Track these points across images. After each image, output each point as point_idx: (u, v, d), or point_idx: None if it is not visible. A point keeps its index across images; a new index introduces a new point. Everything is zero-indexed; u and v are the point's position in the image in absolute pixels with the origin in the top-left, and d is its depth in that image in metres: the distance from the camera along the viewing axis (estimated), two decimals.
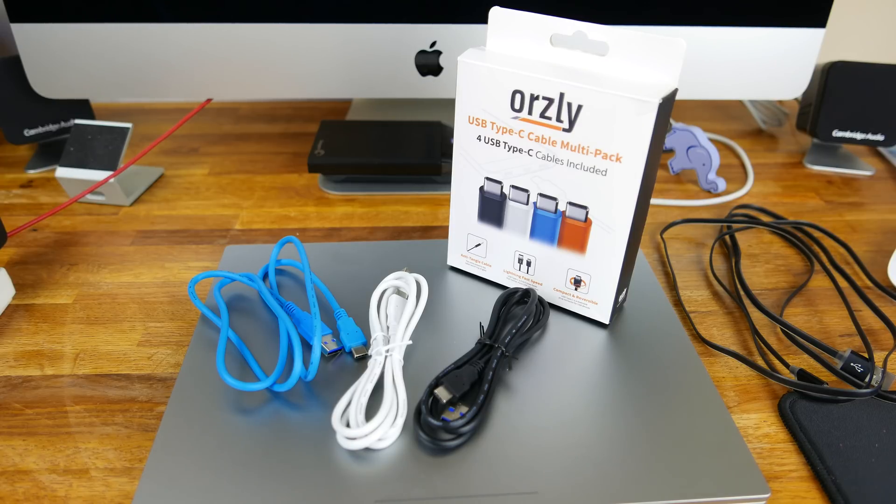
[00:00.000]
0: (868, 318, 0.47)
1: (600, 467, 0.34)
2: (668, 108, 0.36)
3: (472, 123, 0.41)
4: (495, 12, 0.40)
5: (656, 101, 0.34)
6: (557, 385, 0.39)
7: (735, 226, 0.56)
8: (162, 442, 0.35)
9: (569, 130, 0.38)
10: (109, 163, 0.56)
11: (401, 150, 0.60)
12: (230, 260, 0.49)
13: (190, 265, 0.51)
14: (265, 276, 0.47)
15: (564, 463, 0.34)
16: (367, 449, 0.34)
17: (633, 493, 0.32)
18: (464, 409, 0.36)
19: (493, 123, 0.41)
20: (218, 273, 0.45)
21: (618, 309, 0.44)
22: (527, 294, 0.43)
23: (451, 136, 0.64)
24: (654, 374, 0.39)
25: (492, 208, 0.44)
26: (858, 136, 0.66)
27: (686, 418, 0.36)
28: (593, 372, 0.39)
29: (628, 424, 0.36)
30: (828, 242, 0.56)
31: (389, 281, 0.43)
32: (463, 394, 0.36)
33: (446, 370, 0.37)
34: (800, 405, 0.39)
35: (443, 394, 0.36)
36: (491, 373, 0.37)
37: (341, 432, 0.34)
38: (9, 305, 0.47)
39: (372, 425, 0.34)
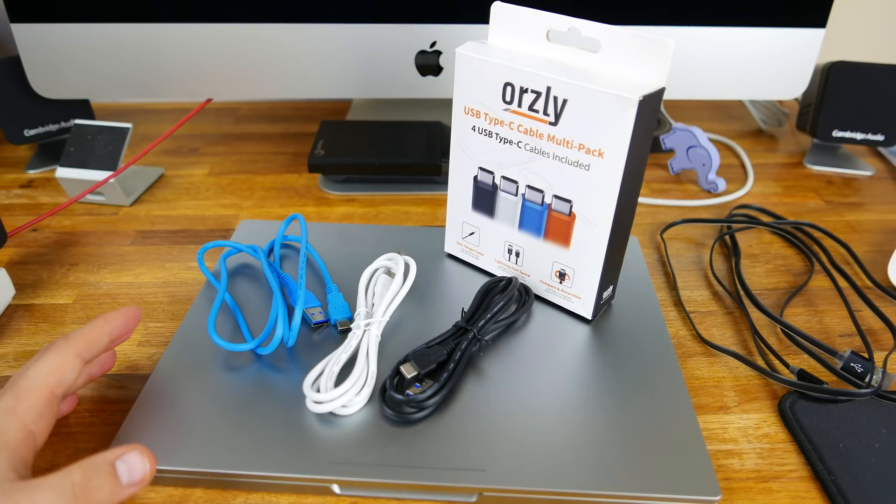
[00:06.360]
0: (868, 318, 0.47)
1: (554, 454, 0.34)
2: (654, 106, 0.36)
3: (467, 114, 0.42)
4: (496, 7, 0.41)
5: (637, 97, 0.35)
6: (529, 374, 0.39)
7: (735, 226, 0.56)
8: (152, 385, 0.38)
9: (555, 124, 0.39)
10: (109, 163, 0.56)
11: (401, 150, 0.60)
12: (244, 233, 0.52)
13: (190, 265, 0.51)
14: (271, 250, 0.49)
15: (519, 447, 0.35)
16: (332, 414, 0.36)
17: (580, 481, 0.33)
18: (430, 386, 0.37)
19: (486, 114, 0.41)
20: (226, 243, 0.48)
21: (602, 305, 0.44)
22: (509, 282, 0.43)
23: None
24: (627, 372, 0.40)
25: (484, 198, 0.45)
26: (858, 136, 0.66)
27: (651, 417, 0.37)
28: (567, 364, 0.40)
29: (591, 416, 0.37)
30: (828, 242, 0.56)
31: (381, 261, 0.45)
32: (431, 372, 0.38)
33: (416, 349, 0.39)
34: (800, 405, 0.39)
35: (408, 369, 0.37)
36: (459, 353, 0.38)
37: (310, 396, 0.36)
38: (9, 305, 0.47)
39: (338, 392, 0.36)
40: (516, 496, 0.33)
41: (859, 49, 0.84)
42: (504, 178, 0.43)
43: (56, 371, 0.31)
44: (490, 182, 0.44)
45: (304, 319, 0.43)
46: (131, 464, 0.29)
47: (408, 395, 0.36)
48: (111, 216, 0.57)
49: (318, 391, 0.36)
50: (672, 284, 0.50)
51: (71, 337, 0.33)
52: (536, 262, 0.44)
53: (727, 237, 0.55)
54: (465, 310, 0.43)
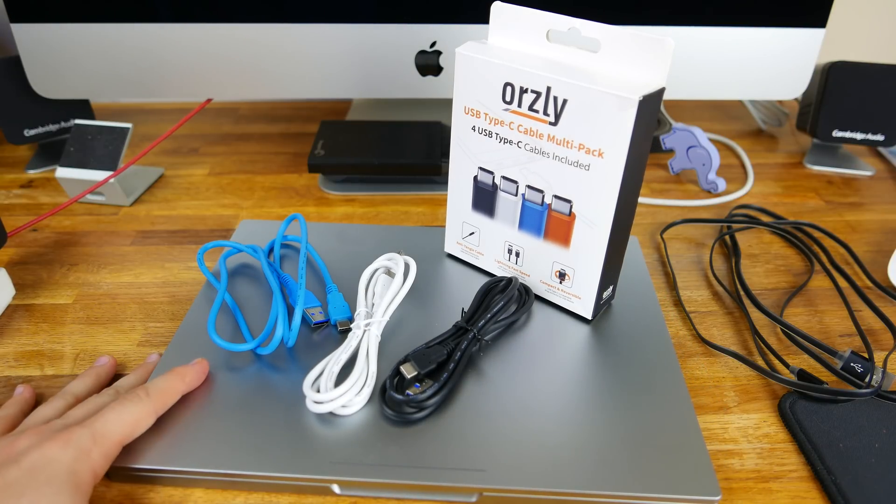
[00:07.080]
0: (868, 318, 0.47)
1: (554, 454, 0.34)
2: (654, 107, 0.36)
3: (467, 114, 0.42)
4: (496, 7, 0.41)
5: (637, 97, 0.35)
6: (529, 374, 0.39)
7: (735, 226, 0.56)
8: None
9: (555, 124, 0.39)
10: (109, 163, 0.56)
11: (401, 150, 0.60)
12: (244, 233, 0.51)
13: (190, 265, 0.51)
14: (271, 250, 0.49)
15: (519, 447, 0.35)
16: (332, 414, 0.36)
17: (580, 481, 0.33)
18: (430, 386, 0.37)
19: (486, 114, 0.42)
20: (226, 243, 0.47)
21: (602, 305, 0.44)
22: (509, 282, 0.43)
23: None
24: (628, 372, 0.40)
25: (484, 198, 0.45)
26: (858, 136, 0.66)
27: (651, 417, 0.37)
28: (568, 364, 0.40)
29: (591, 416, 0.37)
30: (828, 242, 0.56)
31: (381, 261, 0.45)
32: (431, 372, 0.38)
33: (416, 349, 0.39)
34: (800, 405, 0.39)
35: (408, 369, 0.37)
36: (459, 353, 0.38)
37: (310, 396, 0.36)
38: (9, 305, 0.47)
39: (338, 392, 0.36)
40: (516, 496, 0.33)
41: (859, 49, 0.84)
42: (504, 178, 0.43)
43: (133, 425, 0.33)
44: (490, 182, 0.44)
45: (304, 319, 0.43)
46: None
47: (408, 395, 0.36)
48: (111, 216, 0.57)
49: (318, 391, 0.36)
50: (672, 284, 0.50)
51: (152, 392, 0.34)
52: (536, 262, 0.44)
53: (727, 237, 0.55)
54: (465, 310, 0.43)
